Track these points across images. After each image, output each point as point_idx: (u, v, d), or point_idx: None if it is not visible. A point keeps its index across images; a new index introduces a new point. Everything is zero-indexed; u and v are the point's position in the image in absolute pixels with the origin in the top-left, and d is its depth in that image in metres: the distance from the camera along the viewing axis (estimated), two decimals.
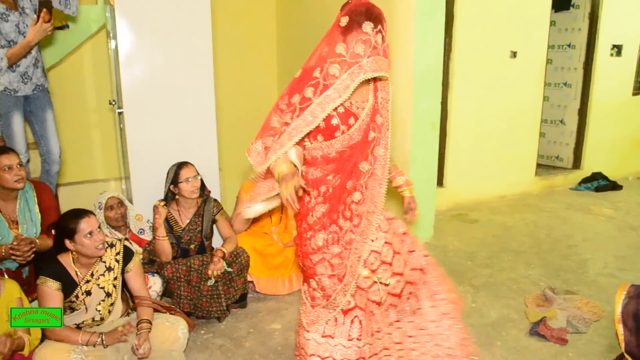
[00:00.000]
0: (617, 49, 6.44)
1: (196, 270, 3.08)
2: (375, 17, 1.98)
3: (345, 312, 2.18)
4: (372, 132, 2.14)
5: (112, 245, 2.57)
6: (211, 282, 3.07)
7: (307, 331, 2.21)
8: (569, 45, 6.53)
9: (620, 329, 1.69)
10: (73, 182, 5.37)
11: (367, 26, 1.96)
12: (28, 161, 3.62)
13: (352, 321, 2.18)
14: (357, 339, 2.17)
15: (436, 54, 4.16)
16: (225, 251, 3.15)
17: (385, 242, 2.23)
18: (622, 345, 1.68)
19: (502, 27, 5.44)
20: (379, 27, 1.97)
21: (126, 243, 2.65)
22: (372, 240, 2.19)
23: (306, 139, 2.13)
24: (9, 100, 3.39)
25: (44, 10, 3.16)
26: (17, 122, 3.44)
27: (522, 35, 5.61)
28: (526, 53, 5.66)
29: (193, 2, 3.42)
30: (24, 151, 3.46)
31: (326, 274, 2.18)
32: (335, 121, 2.07)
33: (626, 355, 1.70)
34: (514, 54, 5.57)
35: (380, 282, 2.25)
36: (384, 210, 2.25)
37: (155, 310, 2.66)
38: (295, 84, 2.08)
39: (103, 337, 2.38)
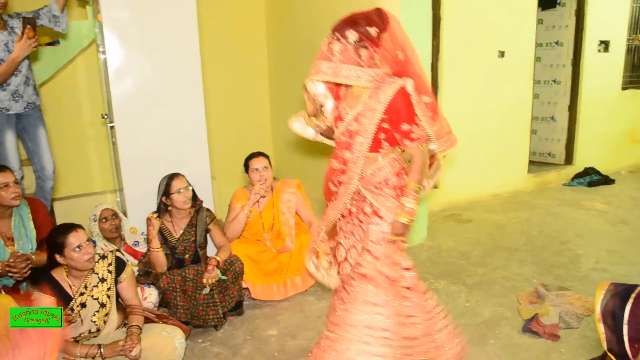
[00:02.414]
0: (605, 45, 6.50)
1: (191, 279, 3.11)
2: (335, 25, 2.18)
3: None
4: (343, 137, 2.33)
5: (103, 257, 2.60)
6: (206, 290, 3.10)
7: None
8: (556, 43, 6.59)
9: (601, 327, 1.70)
10: (70, 195, 5.40)
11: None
12: (22, 178, 3.65)
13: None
14: None
15: (424, 57, 4.21)
16: (219, 259, 3.19)
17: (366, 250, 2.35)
18: (604, 344, 1.70)
19: (489, 27, 5.50)
20: (334, 34, 2.16)
21: (118, 254, 2.68)
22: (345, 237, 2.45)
23: None
24: (0, 119, 3.43)
25: (28, 26, 3.21)
26: (10, 140, 3.48)
27: (510, 34, 5.67)
28: (514, 52, 5.71)
29: (180, 14, 3.46)
30: (17, 168, 3.50)
31: None
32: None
33: (609, 354, 1.72)
34: (502, 54, 5.62)
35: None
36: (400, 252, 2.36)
37: (149, 320, 2.70)
38: None
39: (102, 349, 2.42)
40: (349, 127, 2.28)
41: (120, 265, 2.63)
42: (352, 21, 2.14)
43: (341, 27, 2.14)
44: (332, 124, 2.42)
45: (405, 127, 2.21)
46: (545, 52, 6.70)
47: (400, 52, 2.20)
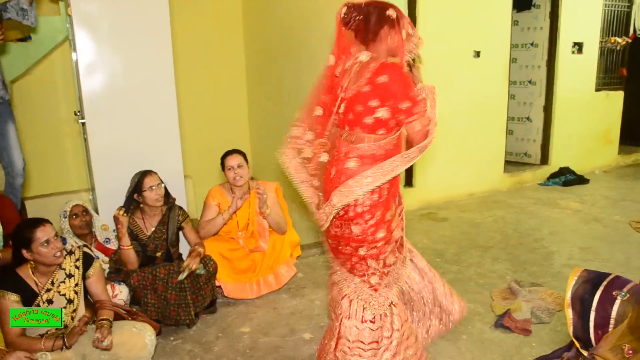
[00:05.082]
0: (578, 47, 6.60)
1: (162, 279, 3.05)
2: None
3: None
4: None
5: (71, 253, 2.56)
6: (182, 276, 3.01)
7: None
8: (532, 44, 6.67)
9: (569, 313, 1.72)
10: (44, 194, 5.31)
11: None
12: None
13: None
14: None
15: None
16: (202, 252, 3.16)
17: None
18: (570, 329, 1.71)
19: (465, 28, 5.53)
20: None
21: (85, 249, 2.64)
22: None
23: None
24: None
25: None
26: None
27: (485, 35, 5.72)
28: (490, 52, 5.76)
29: (151, 6, 3.42)
30: None
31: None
32: None
33: (575, 342, 1.73)
34: (478, 54, 5.67)
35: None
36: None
37: (119, 317, 2.66)
38: None
39: (65, 338, 2.39)
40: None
41: (87, 261, 2.59)
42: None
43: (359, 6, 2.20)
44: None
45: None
46: (521, 53, 6.78)
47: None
